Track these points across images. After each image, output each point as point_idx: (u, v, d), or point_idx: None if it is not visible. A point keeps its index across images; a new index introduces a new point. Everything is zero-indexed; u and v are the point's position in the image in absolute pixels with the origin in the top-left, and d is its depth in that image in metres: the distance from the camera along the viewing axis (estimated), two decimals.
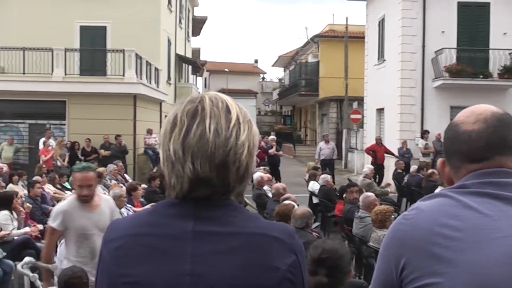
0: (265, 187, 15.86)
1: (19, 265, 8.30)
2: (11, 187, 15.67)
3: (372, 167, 19.32)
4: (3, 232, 11.12)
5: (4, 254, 10.42)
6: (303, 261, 1.96)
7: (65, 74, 26.82)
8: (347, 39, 38.24)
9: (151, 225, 1.93)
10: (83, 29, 31.78)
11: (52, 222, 6.82)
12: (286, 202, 10.32)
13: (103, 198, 7.09)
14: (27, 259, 8.52)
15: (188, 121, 1.91)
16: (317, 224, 13.32)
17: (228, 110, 1.95)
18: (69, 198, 7.60)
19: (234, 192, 1.96)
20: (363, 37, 34.52)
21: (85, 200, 6.67)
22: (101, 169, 18.90)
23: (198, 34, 54.84)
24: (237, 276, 1.83)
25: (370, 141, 28.81)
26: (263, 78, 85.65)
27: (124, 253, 1.92)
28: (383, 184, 21.36)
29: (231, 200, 1.96)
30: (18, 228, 11.73)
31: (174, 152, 1.90)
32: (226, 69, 74.26)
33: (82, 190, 6.65)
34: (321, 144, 27.05)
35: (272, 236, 1.91)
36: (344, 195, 13.94)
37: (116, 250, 1.94)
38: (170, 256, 1.86)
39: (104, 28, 31.80)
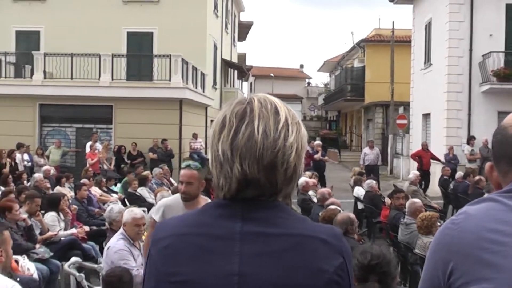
0: (310, 192, 15.78)
1: (66, 265, 8.58)
2: (58, 189, 15.89)
3: (418, 173, 19.02)
4: (50, 233, 11.31)
5: (51, 254, 10.56)
6: (350, 264, 1.95)
7: (112, 79, 27.16)
8: (393, 43, 37.77)
9: (200, 225, 1.95)
10: (130, 35, 32.23)
11: (155, 215, 7.07)
12: (332, 207, 10.25)
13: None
14: (73, 259, 8.88)
15: (237, 122, 1.92)
16: (363, 230, 13.23)
17: (276, 112, 1.95)
18: (175, 195, 7.88)
19: (281, 194, 1.96)
20: (410, 41, 34.03)
21: (185, 198, 6.80)
22: (146, 172, 19.12)
23: (244, 39, 54.90)
24: (284, 277, 1.83)
25: (416, 146, 28.42)
26: (309, 83, 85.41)
27: (173, 252, 1.93)
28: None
29: (279, 201, 1.97)
30: (65, 229, 11.94)
31: (223, 152, 1.91)
32: (272, 74, 74.22)
33: (182, 187, 6.81)
34: (366, 149, 26.91)
35: (319, 238, 1.90)
36: (390, 201, 13.81)
37: (164, 249, 1.95)
38: (218, 256, 1.87)
39: (151, 33, 32.15)
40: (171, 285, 1.90)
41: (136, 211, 8.32)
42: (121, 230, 8.04)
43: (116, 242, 7.75)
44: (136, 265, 7.53)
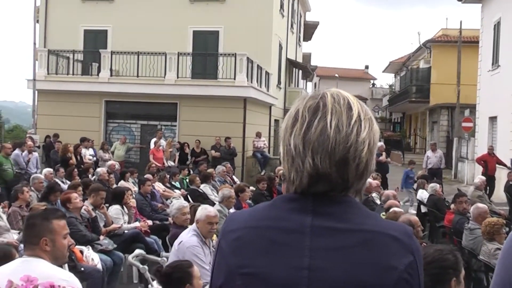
0: (373, 194, 15.63)
1: (130, 257, 8.65)
2: (122, 183, 16.17)
3: (483, 178, 18.54)
4: (114, 225, 11.58)
5: (115, 246, 10.84)
6: (421, 262, 1.92)
7: (178, 77, 27.33)
8: (460, 44, 36.90)
9: (270, 218, 1.95)
10: (196, 33, 32.35)
11: None
12: (397, 209, 10.12)
13: None
14: (138, 251, 8.94)
15: (310, 116, 1.91)
16: (424, 233, 13.02)
17: (349, 107, 1.94)
18: None
19: (352, 189, 1.95)
20: (478, 42, 33.31)
21: None
22: (210, 170, 19.24)
23: (309, 39, 54.72)
24: (354, 273, 1.81)
25: (481, 150, 27.76)
26: (373, 84, 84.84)
27: (243, 244, 1.94)
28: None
29: (350, 197, 1.95)
30: (129, 223, 12.17)
31: (295, 146, 1.91)
32: (337, 75, 73.87)
33: None
34: (428, 152, 26.51)
35: (390, 235, 1.89)
36: (453, 205, 13.56)
37: (235, 241, 1.97)
38: (288, 249, 1.87)
39: (217, 32, 32.22)
40: (241, 276, 1.91)
41: (210, 209, 8.41)
42: (193, 226, 8.16)
43: (189, 238, 7.87)
44: (206, 262, 7.56)
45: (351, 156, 1.88)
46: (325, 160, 1.86)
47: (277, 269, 1.86)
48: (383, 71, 71.07)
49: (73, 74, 28.98)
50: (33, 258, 4.59)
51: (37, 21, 32.29)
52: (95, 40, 32.67)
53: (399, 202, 13.14)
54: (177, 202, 10.54)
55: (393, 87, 67.53)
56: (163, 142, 24.48)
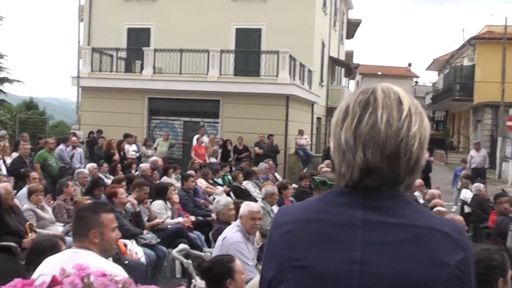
0: (416, 193, 15.48)
1: (174, 251, 8.75)
2: (165, 179, 16.31)
3: None
4: (157, 220, 11.69)
5: (158, 240, 10.95)
6: (472, 259, 1.92)
7: (220, 74, 27.39)
8: (505, 40, 36.35)
9: (322, 212, 1.95)
10: (239, 31, 32.44)
11: None
12: (441, 209, 10.02)
13: None
14: (182, 246, 9.10)
15: (360, 111, 1.91)
16: (469, 234, 12.86)
17: (400, 102, 1.93)
18: None
19: (403, 184, 1.94)
20: None
21: None
22: (255, 168, 19.25)
23: (352, 36, 54.48)
24: (406, 268, 1.81)
25: None
26: (416, 82, 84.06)
27: (295, 237, 1.94)
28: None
29: (401, 192, 1.95)
30: (172, 218, 12.24)
31: (346, 141, 1.91)
32: (379, 73, 73.49)
33: None
34: (472, 152, 26.26)
35: (442, 231, 1.88)
36: (495, 206, 13.32)
37: (287, 234, 1.97)
38: (340, 243, 1.87)
39: (259, 30, 32.25)
40: (293, 269, 1.91)
41: (253, 205, 8.47)
42: (237, 222, 8.20)
43: (233, 234, 7.87)
44: (250, 258, 7.60)
45: (402, 150, 1.87)
46: (376, 154, 1.87)
47: (329, 262, 1.86)
48: (426, 69, 70.31)
49: (116, 71, 29.28)
50: (82, 250, 4.66)
51: (81, 20, 32.68)
52: (138, 38, 33.00)
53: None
54: (223, 198, 10.50)
55: (437, 85, 66.81)
56: (205, 138, 24.61)
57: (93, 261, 4.48)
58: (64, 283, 1.94)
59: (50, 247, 5.68)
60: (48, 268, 4.35)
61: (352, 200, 1.92)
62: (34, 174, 13.35)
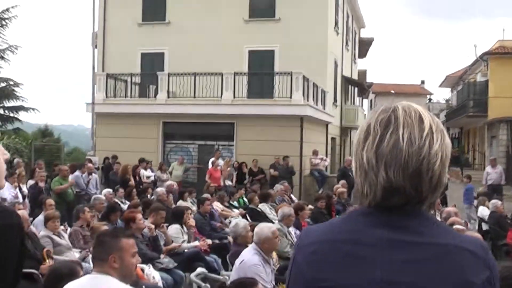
0: (432, 212, 15.39)
1: (192, 275, 8.91)
2: (181, 203, 16.26)
3: None
4: (174, 244, 11.74)
5: (175, 264, 10.90)
6: (497, 277, 1.90)
7: (234, 97, 27.47)
8: None
9: (346, 232, 1.95)
10: (252, 53, 32.45)
11: None
12: (459, 227, 9.96)
13: None
14: (199, 269, 9.31)
15: (382, 130, 1.92)
16: None
17: (421, 120, 1.94)
18: None
19: (426, 202, 1.94)
20: None
21: None
22: (270, 190, 19.20)
23: (365, 55, 54.47)
24: (431, 287, 1.80)
25: None
26: (430, 99, 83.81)
27: (320, 257, 1.94)
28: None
29: (424, 210, 1.95)
30: (188, 242, 12.25)
31: (368, 160, 1.92)
32: (393, 91, 73.32)
33: None
34: (488, 168, 26.10)
35: (467, 249, 1.87)
36: None
37: (311, 255, 1.97)
38: (365, 263, 1.86)
39: (272, 51, 32.25)
40: None
41: (269, 225, 8.61)
42: (253, 245, 8.17)
43: (251, 257, 7.87)
44: (268, 281, 7.59)
45: (424, 168, 1.87)
46: (399, 173, 1.87)
47: (355, 282, 1.85)
48: (440, 86, 70.09)
49: (131, 96, 29.49)
50: (102, 275, 4.70)
51: (96, 46, 32.84)
52: (152, 63, 33.10)
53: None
54: (241, 221, 10.60)
55: (450, 102, 66.59)
56: (221, 161, 24.56)
57: (113, 286, 4.58)
58: None
59: (69, 273, 5.70)
60: None
61: (377, 220, 1.92)
62: (50, 201, 13.37)
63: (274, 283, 7.98)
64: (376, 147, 1.90)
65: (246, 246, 8.83)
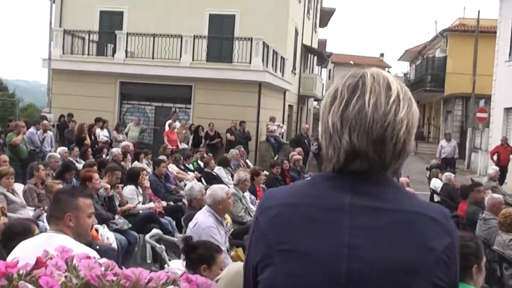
0: None
1: (147, 236, 8.84)
2: (136, 164, 16.10)
3: (497, 168, 18.40)
4: (129, 205, 11.67)
5: (130, 225, 10.80)
6: (458, 244, 1.93)
7: (193, 60, 27.30)
8: (477, 33, 36.42)
9: (310, 196, 1.95)
10: (212, 17, 32.14)
11: None
12: None
13: None
14: (154, 231, 9.24)
15: (348, 94, 1.92)
16: None
17: (388, 87, 1.94)
18: None
19: (390, 169, 1.95)
20: (495, 32, 32.84)
21: None
22: (226, 155, 19.31)
23: (326, 25, 54.52)
24: (393, 252, 1.82)
25: (495, 141, 27.30)
26: (388, 72, 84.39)
27: (283, 220, 1.94)
28: None
29: (388, 176, 1.96)
30: (143, 203, 12.14)
31: (333, 124, 1.93)
32: (351, 62, 73.46)
33: None
34: (443, 142, 26.66)
35: (429, 215, 1.89)
36: (469, 195, 13.29)
37: (274, 218, 1.96)
38: (328, 227, 1.87)
39: (233, 16, 31.99)
40: (280, 253, 1.91)
41: (224, 187, 8.57)
42: (207, 207, 8.14)
43: (205, 219, 7.88)
44: (222, 243, 7.51)
45: (389, 134, 1.88)
46: (362, 137, 1.87)
47: (317, 246, 1.86)
48: (399, 59, 70.35)
49: (88, 54, 29.00)
50: (57, 234, 4.60)
51: (54, 1, 32.20)
52: (111, 21, 32.49)
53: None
54: (197, 185, 10.49)
55: (408, 76, 67.05)
56: (177, 124, 24.44)
57: (68, 245, 4.43)
58: (48, 265, 1.93)
59: (23, 231, 5.68)
60: (22, 251, 4.31)
61: (340, 184, 1.93)
62: (4, 157, 13.11)
63: (228, 246, 7.96)
64: (342, 111, 1.91)
65: (200, 209, 8.75)
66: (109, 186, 11.07)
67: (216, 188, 8.38)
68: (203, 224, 7.72)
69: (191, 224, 7.95)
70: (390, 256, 1.81)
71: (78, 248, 4.33)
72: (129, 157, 17.21)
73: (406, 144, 1.93)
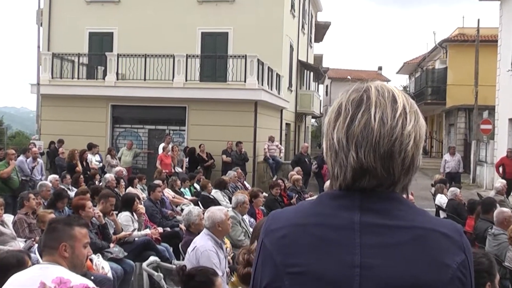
0: None
1: (144, 264, 8.92)
2: (130, 190, 16.07)
3: (504, 181, 17.93)
4: (124, 233, 11.52)
5: (125, 254, 10.71)
6: (472, 260, 1.86)
7: (186, 80, 26.91)
8: (478, 43, 36.13)
9: (317, 215, 1.89)
10: (205, 35, 32.15)
11: None
12: None
13: None
14: (152, 258, 9.29)
15: (353, 109, 1.88)
16: None
17: (394, 100, 1.89)
18: None
19: (399, 185, 1.89)
20: (496, 41, 32.45)
21: None
22: (224, 177, 19.31)
23: (321, 40, 54.72)
24: (407, 270, 1.75)
25: (501, 153, 27.04)
26: None
27: (290, 242, 1.88)
28: None
29: (397, 193, 1.90)
30: (139, 230, 12.13)
31: (338, 141, 1.88)
32: (349, 77, 73.44)
33: None
34: (446, 156, 26.63)
35: (441, 232, 1.83)
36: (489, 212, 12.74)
37: (281, 239, 1.90)
38: (338, 246, 1.81)
39: (226, 34, 31.99)
40: (289, 275, 1.84)
41: (222, 208, 8.61)
42: (206, 231, 8.11)
43: (204, 242, 7.81)
44: (220, 267, 7.45)
45: (396, 149, 1.84)
46: (370, 153, 1.83)
47: (328, 266, 1.80)
48: (397, 72, 70.46)
49: (78, 78, 28.68)
50: (52, 265, 4.61)
51: (41, 24, 31.85)
52: (101, 43, 32.70)
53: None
54: (195, 209, 10.32)
55: (408, 89, 66.94)
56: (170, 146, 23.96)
57: (65, 276, 4.36)
58: None
59: (17, 263, 5.55)
60: (15, 284, 4.35)
61: (348, 203, 1.88)
62: None
63: (227, 270, 7.89)
64: (347, 127, 1.86)
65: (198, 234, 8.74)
66: (101, 214, 10.89)
67: (214, 210, 8.34)
68: (201, 247, 7.66)
69: (189, 249, 7.89)
70: (403, 275, 1.75)
71: (75, 279, 4.49)
72: (122, 183, 17.09)
73: (415, 159, 1.89)
